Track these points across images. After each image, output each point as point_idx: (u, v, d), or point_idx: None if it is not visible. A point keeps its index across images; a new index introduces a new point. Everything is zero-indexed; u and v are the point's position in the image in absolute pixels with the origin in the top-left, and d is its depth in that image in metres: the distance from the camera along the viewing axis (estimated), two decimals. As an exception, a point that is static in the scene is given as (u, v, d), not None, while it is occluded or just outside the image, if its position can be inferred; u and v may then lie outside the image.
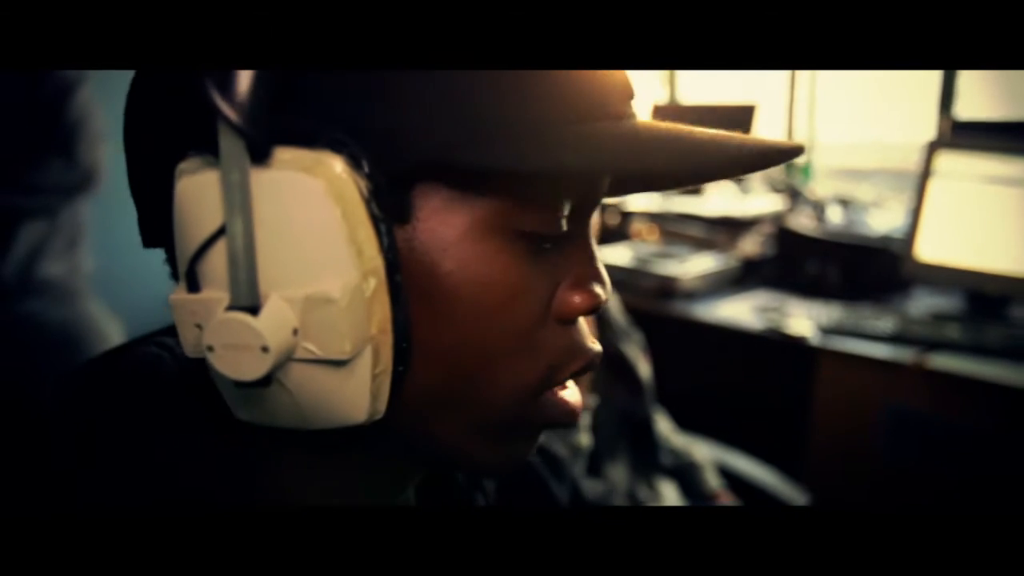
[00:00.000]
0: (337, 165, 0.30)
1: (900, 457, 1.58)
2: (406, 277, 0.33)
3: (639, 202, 2.40)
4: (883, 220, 2.13)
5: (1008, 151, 1.71)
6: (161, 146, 0.34)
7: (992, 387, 1.44)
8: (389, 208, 0.31)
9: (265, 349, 0.30)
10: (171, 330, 0.42)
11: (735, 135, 0.36)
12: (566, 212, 0.35)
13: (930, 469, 1.55)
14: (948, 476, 1.52)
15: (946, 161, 1.79)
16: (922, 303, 1.86)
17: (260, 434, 0.36)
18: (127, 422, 0.37)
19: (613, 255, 2.04)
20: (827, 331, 1.67)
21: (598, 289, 0.38)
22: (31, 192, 1.33)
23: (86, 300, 1.49)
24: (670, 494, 1.28)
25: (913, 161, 1.88)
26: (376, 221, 0.31)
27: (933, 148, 1.80)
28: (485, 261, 0.33)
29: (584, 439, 1.07)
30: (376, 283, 0.31)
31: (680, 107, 2.63)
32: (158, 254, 0.38)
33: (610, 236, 2.30)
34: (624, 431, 1.26)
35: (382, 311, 0.31)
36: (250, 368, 0.30)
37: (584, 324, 0.39)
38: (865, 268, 1.91)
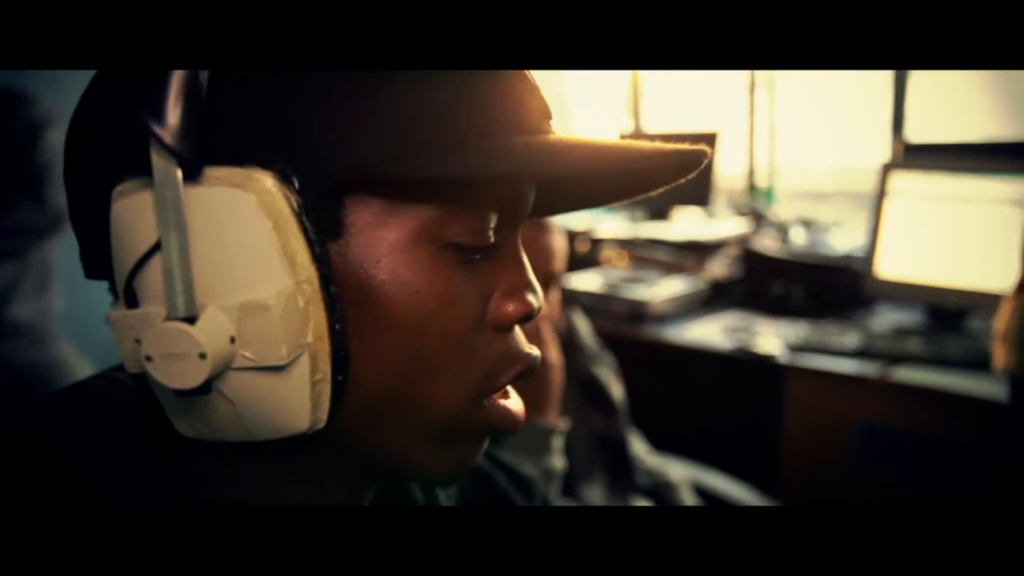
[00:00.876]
0: (267, 180, 0.31)
1: (872, 470, 1.59)
2: (342, 288, 0.33)
3: (608, 229, 2.42)
4: (844, 240, 2.17)
5: (957, 170, 1.76)
6: (98, 173, 0.34)
7: (955, 398, 1.46)
8: (321, 222, 0.32)
9: (203, 356, 0.30)
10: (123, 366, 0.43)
11: (647, 143, 0.37)
12: (493, 224, 0.36)
13: (902, 481, 1.56)
14: (920, 487, 1.53)
15: (900, 181, 1.84)
16: (884, 318, 1.89)
17: (206, 452, 0.36)
18: (75, 450, 0.37)
19: (584, 281, 2.04)
20: (794, 349, 1.68)
21: (530, 297, 0.39)
22: (1, 235, 1.32)
23: (57, 342, 1.47)
24: None
25: (870, 184, 1.92)
26: (307, 233, 0.31)
27: (887, 169, 1.85)
28: (417, 271, 0.34)
29: (558, 462, 1.07)
30: (310, 292, 0.32)
31: (645, 135, 2.67)
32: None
33: (581, 263, 2.30)
34: (599, 453, 1.25)
35: (317, 319, 0.32)
36: (189, 376, 0.30)
37: (520, 331, 0.40)
38: (828, 286, 1.94)
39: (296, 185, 0.31)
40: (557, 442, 1.07)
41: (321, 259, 0.32)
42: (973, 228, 1.72)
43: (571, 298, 1.81)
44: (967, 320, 1.74)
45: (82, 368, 1.52)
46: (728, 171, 2.62)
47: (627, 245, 2.28)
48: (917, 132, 2.21)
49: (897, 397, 1.54)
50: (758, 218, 2.38)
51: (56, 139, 1.38)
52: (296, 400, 0.32)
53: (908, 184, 1.83)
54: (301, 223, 0.31)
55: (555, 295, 1.17)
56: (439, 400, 0.36)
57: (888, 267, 1.84)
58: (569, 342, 1.27)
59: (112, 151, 0.34)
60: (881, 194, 1.85)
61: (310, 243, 0.32)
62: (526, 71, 0.39)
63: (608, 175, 0.44)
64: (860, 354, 1.63)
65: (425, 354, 0.35)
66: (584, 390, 1.27)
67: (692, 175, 0.39)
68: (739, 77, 2.65)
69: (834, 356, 1.64)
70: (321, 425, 0.33)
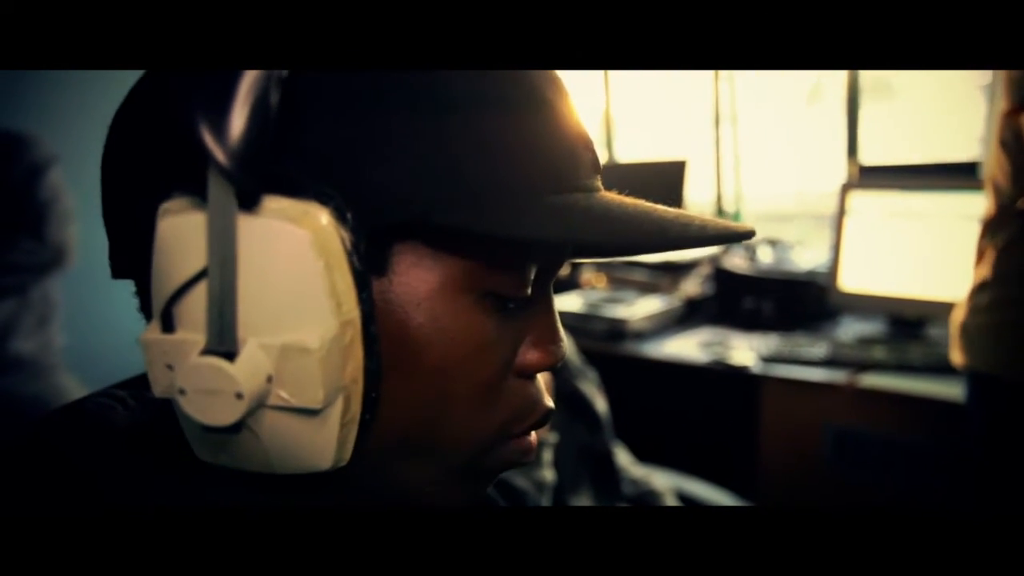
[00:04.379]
0: (323, 217, 0.29)
1: (844, 472, 1.59)
2: (379, 327, 0.31)
3: None
4: (808, 257, 2.18)
5: (910, 188, 1.79)
6: (143, 179, 0.32)
7: (919, 400, 1.47)
8: (368, 261, 0.30)
9: (239, 396, 0.28)
10: (124, 383, 0.40)
11: (695, 216, 0.37)
12: (532, 276, 0.35)
13: (872, 482, 1.57)
14: (890, 487, 1.54)
15: (857, 200, 1.86)
16: (849, 329, 1.90)
17: (214, 474, 0.34)
18: (75, 466, 0.35)
19: (565, 302, 2.04)
20: (767, 360, 1.69)
21: (556, 348, 0.38)
22: (2, 271, 1.30)
23: (58, 374, 1.44)
24: None
25: (830, 205, 1.95)
26: (356, 274, 0.30)
27: (845, 189, 1.88)
28: (455, 317, 0.33)
29: (548, 474, 1.06)
30: (352, 333, 0.30)
31: (619, 165, 2.68)
32: (129, 329, 0.35)
33: (561, 285, 2.30)
34: (585, 464, 1.24)
35: (356, 361, 0.30)
36: (222, 414, 0.28)
37: (541, 380, 0.39)
38: (795, 300, 1.95)
39: (350, 222, 0.29)
40: (547, 455, 1.06)
41: (367, 300, 0.30)
42: (927, 241, 1.74)
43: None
44: (926, 328, 1.75)
45: (84, 399, 1.50)
46: (698, 198, 2.64)
47: (605, 267, 2.28)
48: (870, 155, 2.26)
49: (864, 402, 1.55)
50: None
51: (56, 179, 1.37)
52: (324, 440, 0.31)
53: (865, 202, 1.85)
54: (352, 263, 0.29)
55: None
56: (459, 442, 0.35)
57: (850, 281, 1.85)
58: (554, 359, 1.27)
59: (162, 160, 0.32)
60: (841, 213, 1.87)
61: (358, 284, 0.30)
62: (581, 124, 0.38)
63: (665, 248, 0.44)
64: (828, 363, 1.65)
65: (451, 397, 0.34)
66: (570, 405, 1.26)
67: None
68: (705, 111, 2.69)
69: (804, 365, 1.65)
70: (343, 464, 0.32)
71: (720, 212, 2.68)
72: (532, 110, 0.35)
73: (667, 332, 1.98)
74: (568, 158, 0.35)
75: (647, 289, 2.14)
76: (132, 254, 0.33)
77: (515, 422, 0.37)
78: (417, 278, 0.32)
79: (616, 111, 2.97)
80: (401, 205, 0.30)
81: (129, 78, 0.35)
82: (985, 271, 1.18)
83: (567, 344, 0.39)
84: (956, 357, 1.22)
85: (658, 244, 0.37)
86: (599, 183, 0.38)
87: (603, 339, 1.93)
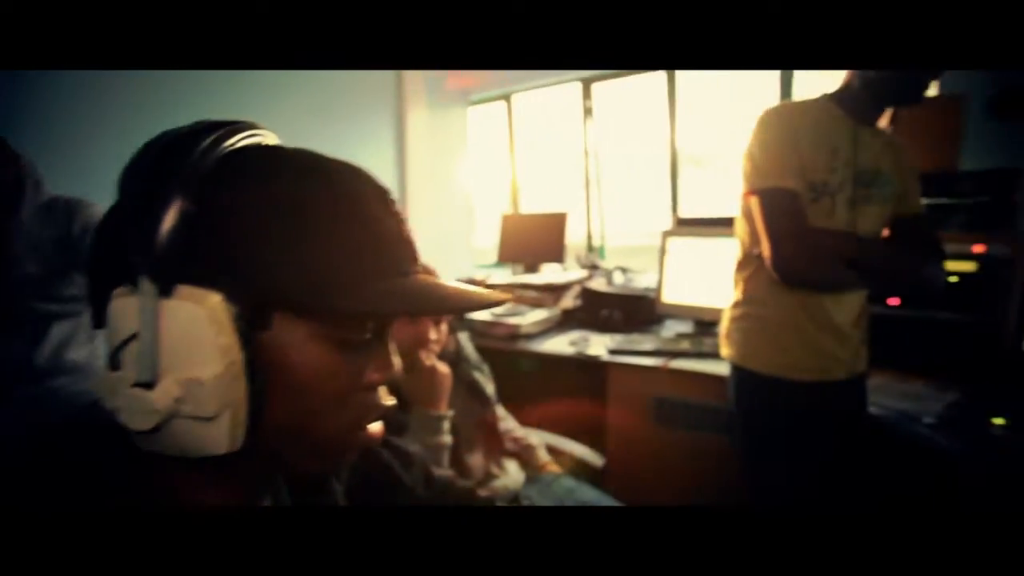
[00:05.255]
0: (215, 299, 0.33)
1: (663, 427, 1.65)
2: (265, 363, 0.35)
3: (497, 278, 2.44)
4: (646, 280, 2.24)
5: (706, 235, 1.89)
6: (106, 277, 0.35)
7: (710, 377, 1.54)
8: (254, 322, 0.34)
9: (154, 411, 0.33)
10: None
11: (473, 291, 0.40)
12: (369, 328, 0.39)
13: (682, 433, 1.62)
14: (694, 437, 1.59)
15: (673, 242, 1.97)
16: (670, 329, 1.96)
17: (159, 458, 0.36)
18: (73, 456, 0.39)
19: (479, 313, 2.03)
20: (612, 352, 1.74)
21: (389, 371, 0.40)
22: (61, 301, 1.28)
23: (100, 375, 1.40)
24: (512, 469, 1.31)
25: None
26: (240, 333, 0.33)
27: (665, 235, 1.98)
28: (316, 356, 0.36)
29: (446, 439, 1.10)
30: (235, 371, 0.33)
31: (523, 216, 2.73)
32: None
33: None
34: (479, 431, 1.29)
35: (239, 387, 0.34)
36: (143, 422, 0.33)
37: (383, 389, 0.41)
38: (636, 310, 2.00)
39: (235, 300, 0.33)
40: (446, 425, 1.10)
41: (246, 349, 0.33)
42: (716, 271, 1.82)
43: (465, 327, 1.84)
44: (717, 328, 1.84)
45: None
46: (574, 238, 2.72)
47: (509, 288, 2.28)
48: (686, 209, 2.37)
49: (676, 379, 1.61)
50: (594, 267, 2.43)
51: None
52: (219, 435, 0.34)
53: (678, 243, 1.95)
54: (236, 326, 0.33)
55: (444, 327, 1.22)
56: (321, 432, 0.38)
57: (669, 296, 1.94)
58: (457, 356, 1.32)
59: (115, 265, 0.35)
60: (663, 251, 1.98)
61: (242, 340, 0.33)
62: (405, 227, 0.40)
63: (454, 312, 0.44)
64: (653, 353, 1.70)
65: (315, 405, 0.37)
66: (468, 389, 1.31)
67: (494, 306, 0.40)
68: (579, 173, 2.78)
69: (637, 355, 1.70)
70: (236, 448, 0.34)
71: (590, 248, 2.76)
72: (363, 223, 0.37)
73: (548, 334, 2.00)
74: (389, 254, 0.38)
75: (537, 304, 2.16)
76: (101, 318, 0.36)
77: (363, 419, 0.40)
78: (290, 331, 0.35)
79: (520, 177, 3.05)
80: (275, 291, 0.34)
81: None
82: (736, 294, 1.23)
83: (399, 366, 0.41)
84: (721, 351, 1.28)
85: (443, 310, 0.43)
86: (417, 267, 0.40)
87: (504, 340, 1.94)
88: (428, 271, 0.49)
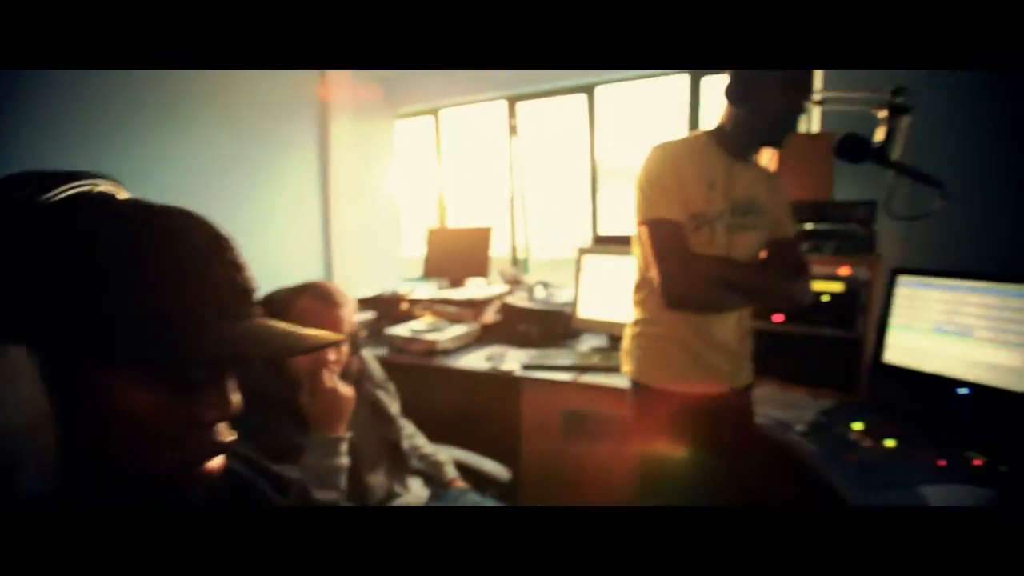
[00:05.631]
0: (18, 353, 0.34)
1: (571, 439, 1.70)
2: (85, 408, 0.36)
3: (421, 293, 2.43)
4: (567, 294, 2.28)
5: (618, 253, 1.98)
6: None
7: (615, 390, 1.60)
8: (74, 373, 0.35)
9: None
10: None
11: (302, 333, 0.41)
12: (203, 369, 0.40)
13: (589, 445, 1.68)
14: (599, 449, 1.65)
15: (588, 259, 2.04)
16: (586, 344, 2.03)
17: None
18: None
19: (398, 330, 2.05)
20: (526, 367, 1.79)
21: (226, 407, 0.42)
22: None
23: None
24: (416, 487, 1.32)
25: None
26: (51, 383, 0.34)
27: (581, 252, 2.06)
28: (140, 398, 0.37)
29: (344, 460, 1.10)
30: (43, 417, 0.35)
31: (449, 230, 2.75)
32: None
33: (404, 316, 2.30)
34: (382, 449, 1.29)
35: (46, 437, 0.35)
36: None
37: (223, 425, 0.42)
38: (552, 325, 2.06)
39: (44, 354, 0.34)
40: (343, 447, 1.11)
41: (55, 399, 0.35)
42: (627, 287, 1.85)
43: (384, 343, 1.82)
44: None
45: None
46: (500, 252, 2.76)
47: (432, 304, 2.29)
48: (605, 226, 2.47)
49: (584, 393, 1.67)
50: (516, 282, 2.48)
51: None
52: (28, 483, 0.35)
53: (593, 261, 2.03)
54: (44, 378, 0.35)
55: (344, 349, 1.22)
56: (159, 470, 0.39)
57: (584, 311, 2.01)
58: (361, 376, 1.32)
59: None
60: (578, 268, 2.05)
61: (48, 391, 0.35)
62: (240, 271, 0.40)
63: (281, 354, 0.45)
64: (566, 368, 1.75)
65: (145, 445, 0.38)
66: (371, 408, 1.31)
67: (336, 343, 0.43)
68: (504, 191, 2.83)
69: (550, 370, 1.76)
70: (46, 495, 0.35)
71: (514, 262, 2.82)
72: (188, 272, 0.38)
73: (466, 349, 2.01)
74: (217, 300, 0.39)
75: (458, 319, 2.18)
76: None
77: (200, 456, 0.41)
78: (113, 376, 0.37)
79: (447, 192, 3.07)
80: (91, 340, 0.36)
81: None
82: (634, 314, 1.30)
83: (237, 402, 0.42)
84: (622, 367, 1.34)
85: (270, 354, 0.45)
86: (251, 308, 0.42)
87: (421, 356, 1.95)
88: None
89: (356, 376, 1.28)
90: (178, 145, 1.95)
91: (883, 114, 1.27)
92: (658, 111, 2.53)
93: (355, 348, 1.29)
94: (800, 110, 1.12)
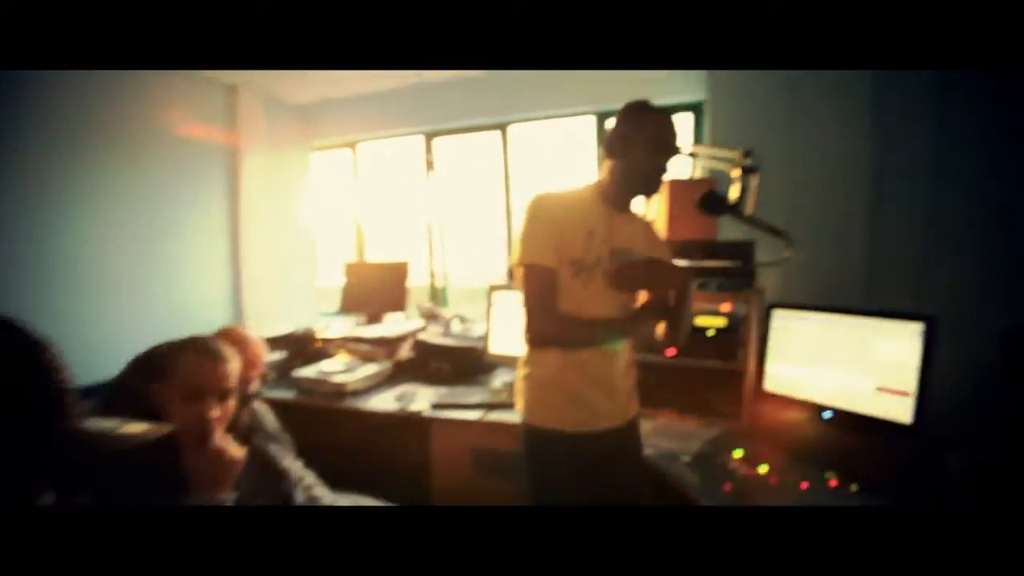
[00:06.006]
0: None
1: (482, 478, 1.73)
2: None
3: (335, 330, 2.39)
4: (483, 328, 2.26)
5: None
6: None
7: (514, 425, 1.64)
8: None
9: None
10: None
11: (128, 429, 0.44)
12: None
13: (500, 483, 1.70)
14: (513, 486, 1.67)
15: (499, 295, 2.09)
16: (499, 379, 2.05)
17: None
18: None
19: (307, 371, 2.00)
20: (435, 406, 1.80)
21: None
22: None
23: None
24: None
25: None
26: None
27: (491, 288, 2.10)
28: None
29: None
30: None
31: (367, 264, 2.73)
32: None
33: (317, 355, 2.26)
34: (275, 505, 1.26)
35: None
36: None
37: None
38: (465, 361, 2.08)
39: None
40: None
41: None
42: None
43: (291, 384, 1.78)
44: None
45: None
46: (418, 282, 2.77)
47: (345, 342, 2.25)
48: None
49: (493, 430, 1.69)
50: (433, 316, 2.47)
51: None
52: None
53: (503, 297, 2.07)
54: None
55: (231, 403, 1.19)
56: None
57: (496, 347, 2.04)
58: (250, 430, 1.28)
59: None
60: (489, 303, 2.09)
61: None
62: (57, 375, 0.42)
63: None
64: (474, 406, 1.77)
65: None
66: (261, 463, 1.28)
67: None
68: (421, 224, 2.86)
69: (458, 409, 1.77)
70: None
71: (433, 295, 2.84)
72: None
73: (376, 389, 1.99)
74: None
75: (370, 357, 2.16)
76: None
77: None
78: None
79: (365, 225, 3.06)
80: None
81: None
82: (523, 355, 1.35)
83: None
84: (516, 407, 1.36)
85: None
86: (67, 411, 0.44)
87: (330, 398, 1.91)
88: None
89: (245, 431, 1.25)
90: (82, 201, 1.87)
91: (736, 173, 1.40)
92: (566, 148, 2.65)
93: (244, 401, 1.26)
94: (663, 168, 1.22)
